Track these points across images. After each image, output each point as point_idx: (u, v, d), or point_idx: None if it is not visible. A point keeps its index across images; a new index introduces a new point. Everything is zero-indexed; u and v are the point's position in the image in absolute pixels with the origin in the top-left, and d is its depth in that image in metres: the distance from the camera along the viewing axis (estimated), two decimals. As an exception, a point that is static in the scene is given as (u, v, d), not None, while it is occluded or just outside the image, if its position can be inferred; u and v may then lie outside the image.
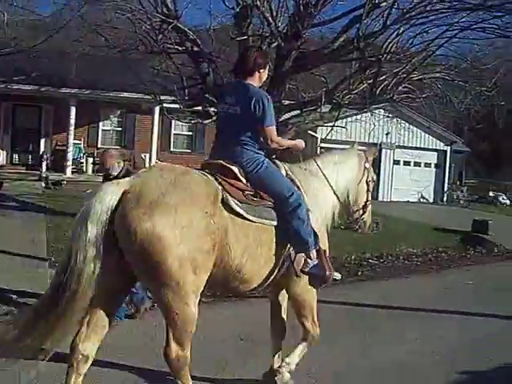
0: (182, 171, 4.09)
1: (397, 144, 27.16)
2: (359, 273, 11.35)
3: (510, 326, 8.24)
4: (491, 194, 33.90)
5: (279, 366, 4.93)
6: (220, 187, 4.12)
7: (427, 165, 29.55)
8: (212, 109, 12.44)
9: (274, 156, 4.91)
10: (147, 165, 18.88)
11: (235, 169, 4.38)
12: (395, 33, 12.14)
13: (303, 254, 4.50)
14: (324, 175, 5.09)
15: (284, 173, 4.76)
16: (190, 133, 25.73)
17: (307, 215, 4.51)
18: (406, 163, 28.51)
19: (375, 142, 25.85)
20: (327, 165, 5.20)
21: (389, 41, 12.08)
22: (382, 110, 16.16)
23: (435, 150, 29.50)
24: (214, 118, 12.00)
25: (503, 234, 17.01)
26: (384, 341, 6.98)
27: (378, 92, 11.95)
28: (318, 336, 4.99)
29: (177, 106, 13.08)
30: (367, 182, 5.48)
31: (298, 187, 4.68)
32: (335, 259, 12.50)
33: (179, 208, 3.74)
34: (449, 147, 29.91)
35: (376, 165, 27.04)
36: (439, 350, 6.78)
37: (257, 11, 11.56)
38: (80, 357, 3.85)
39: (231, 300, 7.85)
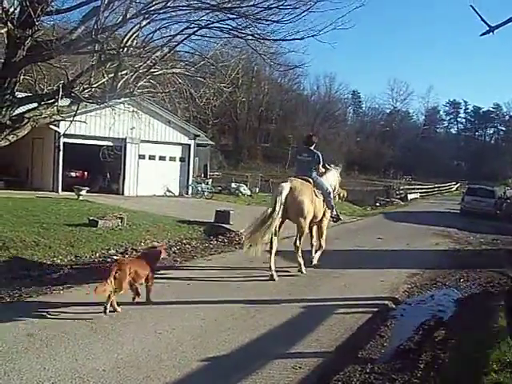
0: (302, 180, 11.84)
1: (142, 138, 27.19)
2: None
3: (244, 309, 8.80)
4: (233, 185, 35.88)
5: (312, 261, 12.63)
6: (311, 186, 11.91)
7: (172, 158, 30.15)
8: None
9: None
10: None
11: (310, 180, 12.02)
12: (136, 26, 11.99)
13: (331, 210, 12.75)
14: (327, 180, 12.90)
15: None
16: None
17: (332, 196, 12.62)
18: (152, 157, 28.72)
19: (120, 137, 25.56)
20: (328, 176, 13.09)
21: (129, 34, 11.88)
22: (123, 105, 15.90)
23: (179, 144, 30.24)
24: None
25: (242, 222, 18.09)
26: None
27: (118, 86, 11.70)
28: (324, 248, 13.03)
29: None
30: (339, 182, 13.86)
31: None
32: (79, 258, 12.15)
33: (306, 193, 11.57)
34: (193, 141, 30.90)
35: (121, 160, 26.86)
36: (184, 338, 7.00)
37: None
38: (274, 245, 11.29)
39: None
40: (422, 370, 6.82)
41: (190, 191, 30.60)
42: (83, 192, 22.93)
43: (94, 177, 28.13)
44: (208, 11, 11.81)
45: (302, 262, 11.83)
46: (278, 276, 11.26)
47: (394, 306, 10.08)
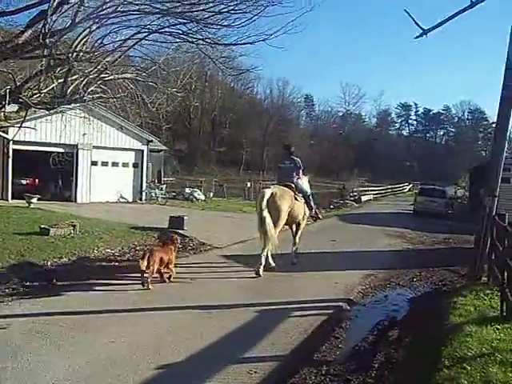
0: (283, 186, 12.99)
1: (94, 144, 26.77)
2: (54, 279, 10.77)
3: (199, 314, 8.73)
4: (188, 190, 35.61)
5: (294, 252, 13.96)
6: (292, 192, 13.00)
7: (125, 164, 29.78)
8: None
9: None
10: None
11: (293, 185, 13.23)
12: (86, 31, 11.81)
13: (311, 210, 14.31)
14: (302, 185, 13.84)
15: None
16: None
17: (311, 198, 14.21)
18: (104, 164, 28.30)
19: (71, 143, 25.15)
20: (303, 181, 13.97)
21: (79, 39, 11.70)
22: (74, 111, 15.65)
23: (132, 150, 29.90)
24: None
25: (196, 228, 18.05)
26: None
27: (68, 92, 11.50)
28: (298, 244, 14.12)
29: None
30: (310, 185, 14.56)
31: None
32: (30, 268, 11.85)
33: (286, 199, 12.60)
34: (146, 146, 30.59)
35: (74, 167, 26.37)
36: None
37: None
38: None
39: None
40: (376, 369, 6.91)
41: (143, 197, 30.25)
42: (34, 200, 22.43)
43: (46, 184, 27.54)
44: (159, 16, 11.76)
45: (262, 264, 11.94)
46: (235, 278, 11.30)
47: (348, 308, 10.17)
